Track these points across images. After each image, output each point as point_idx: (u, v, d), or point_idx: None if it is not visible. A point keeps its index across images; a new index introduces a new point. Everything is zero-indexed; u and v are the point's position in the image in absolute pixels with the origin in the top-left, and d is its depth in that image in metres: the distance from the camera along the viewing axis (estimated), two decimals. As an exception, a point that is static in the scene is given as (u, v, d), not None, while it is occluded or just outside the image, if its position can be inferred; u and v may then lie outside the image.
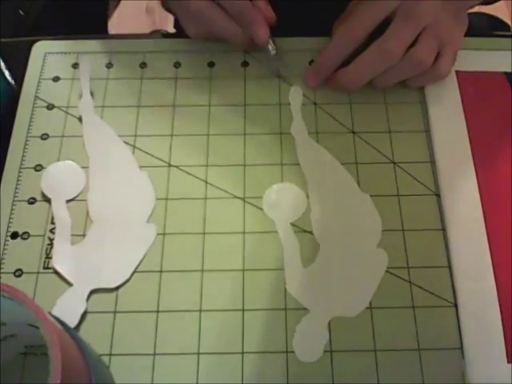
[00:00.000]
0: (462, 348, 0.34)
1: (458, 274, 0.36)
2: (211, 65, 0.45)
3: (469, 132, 0.41)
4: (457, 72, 0.44)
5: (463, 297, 0.36)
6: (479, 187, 0.39)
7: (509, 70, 0.44)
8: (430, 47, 0.39)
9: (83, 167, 0.40)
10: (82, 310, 0.35)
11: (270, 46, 0.43)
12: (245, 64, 0.45)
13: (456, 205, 0.39)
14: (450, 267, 0.37)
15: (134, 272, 0.37)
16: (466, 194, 0.39)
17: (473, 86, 0.43)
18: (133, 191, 0.39)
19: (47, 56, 0.45)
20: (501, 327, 0.35)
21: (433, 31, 0.39)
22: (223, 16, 0.41)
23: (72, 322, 0.34)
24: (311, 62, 0.45)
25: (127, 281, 0.36)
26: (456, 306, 0.36)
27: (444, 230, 0.38)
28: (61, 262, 0.36)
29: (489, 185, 0.39)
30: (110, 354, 0.34)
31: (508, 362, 0.34)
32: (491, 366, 0.34)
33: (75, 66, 0.45)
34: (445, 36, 0.40)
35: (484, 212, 0.38)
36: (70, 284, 0.36)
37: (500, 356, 0.34)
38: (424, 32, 0.39)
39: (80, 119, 0.42)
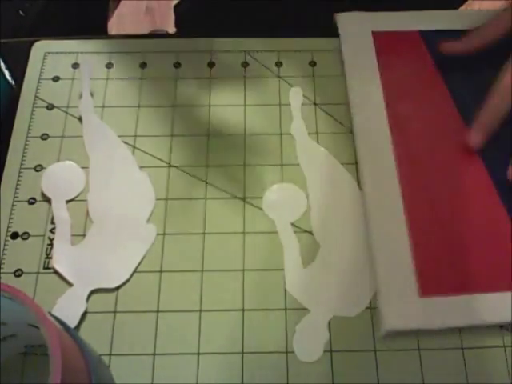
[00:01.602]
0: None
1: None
2: (211, 65, 0.45)
3: (384, 92, 0.42)
4: (373, 32, 0.44)
5: (376, 234, 0.36)
6: (394, 147, 0.39)
7: (423, 28, 0.45)
8: None
9: (83, 167, 0.40)
10: (82, 310, 0.35)
11: None
12: (245, 64, 0.45)
13: (373, 168, 0.39)
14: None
15: (134, 272, 0.37)
16: (382, 157, 0.39)
17: (388, 45, 0.44)
18: (133, 191, 0.39)
19: (47, 56, 0.45)
20: (412, 261, 0.35)
21: None
22: None
23: (72, 322, 0.34)
24: (311, 62, 0.45)
25: (127, 281, 0.36)
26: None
27: None
28: (61, 261, 0.36)
29: (403, 144, 0.40)
30: (110, 354, 0.34)
31: (419, 297, 0.34)
32: (403, 300, 0.34)
33: (75, 66, 0.45)
34: None
35: (398, 167, 0.39)
36: (70, 284, 0.36)
37: (412, 291, 0.34)
38: None
39: (80, 119, 0.42)
